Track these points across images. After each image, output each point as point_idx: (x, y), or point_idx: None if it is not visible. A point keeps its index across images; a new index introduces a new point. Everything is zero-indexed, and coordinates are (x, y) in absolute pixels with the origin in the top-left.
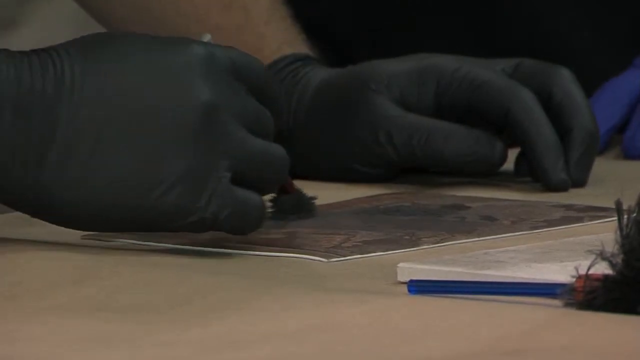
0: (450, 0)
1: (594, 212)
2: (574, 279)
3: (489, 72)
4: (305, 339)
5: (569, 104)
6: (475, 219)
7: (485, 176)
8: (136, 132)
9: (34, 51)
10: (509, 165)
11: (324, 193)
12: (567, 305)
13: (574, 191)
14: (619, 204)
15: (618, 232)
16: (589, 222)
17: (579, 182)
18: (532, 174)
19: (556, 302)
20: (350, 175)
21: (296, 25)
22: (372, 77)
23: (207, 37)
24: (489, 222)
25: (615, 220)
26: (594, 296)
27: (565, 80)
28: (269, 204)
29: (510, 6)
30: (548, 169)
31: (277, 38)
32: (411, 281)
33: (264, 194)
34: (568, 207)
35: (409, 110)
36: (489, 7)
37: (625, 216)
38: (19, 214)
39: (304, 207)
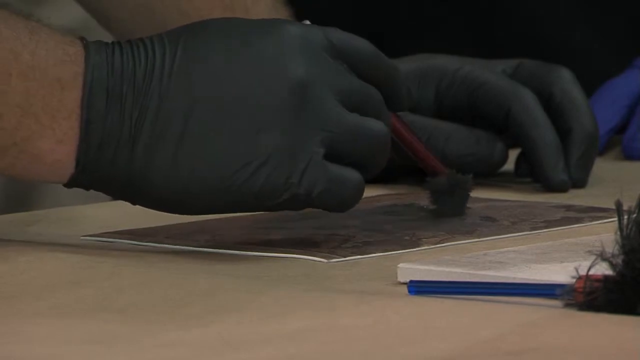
0: (450, 1)
1: (594, 212)
2: (574, 280)
3: (490, 73)
4: (305, 340)
5: (569, 105)
6: (476, 219)
7: (485, 176)
8: (226, 113)
9: (128, 40)
10: (509, 165)
11: None
12: (568, 305)
13: (574, 192)
14: (619, 205)
15: (618, 233)
16: (589, 223)
17: (579, 182)
18: (532, 174)
19: (556, 302)
20: None
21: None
22: None
23: (306, 22)
24: (489, 223)
25: (615, 220)
26: (594, 297)
27: (565, 81)
28: (427, 191)
29: (509, 7)
30: (548, 169)
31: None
32: (411, 282)
33: (366, 173)
34: (568, 207)
35: (410, 110)
36: (488, 8)
37: (625, 217)
38: (18, 214)
39: (457, 186)
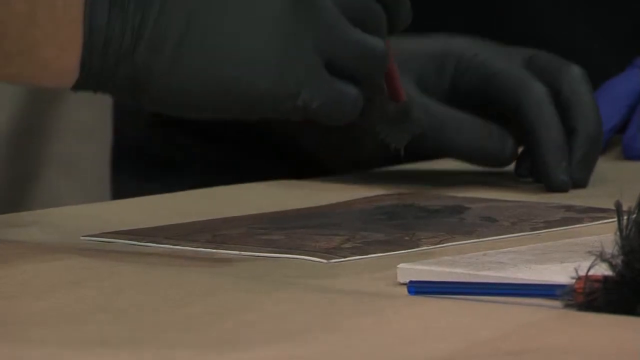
0: (450, 1)
1: (594, 213)
2: (574, 280)
3: (506, 62)
4: (305, 340)
5: (576, 104)
6: (475, 220)
7: (489, 171)
8: (227, 16)
9: None
10: (509, 166)
11: (324, 194)
12: (567, 306)
13: (574, 192)
14: (618, 205)
15: (618, 233)
16: (589, 223)
17: (580, 183)
18: (532, 171)
19: (556, 303)
20: (363, 155)
21: None
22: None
23: None
24: (489, 223)
25: (615, 221)
26: (594, 297)
27: (575, 79)
28: (377, 112)
29: (510, 7)
30: (550, 168)
31: None
32: (411, 282)
33: (365, 89)
34: (568, 208)
35: (426, 91)
36: (489, 8)
37: (625, 217)
38: (18, 214)
39: (409, 117)
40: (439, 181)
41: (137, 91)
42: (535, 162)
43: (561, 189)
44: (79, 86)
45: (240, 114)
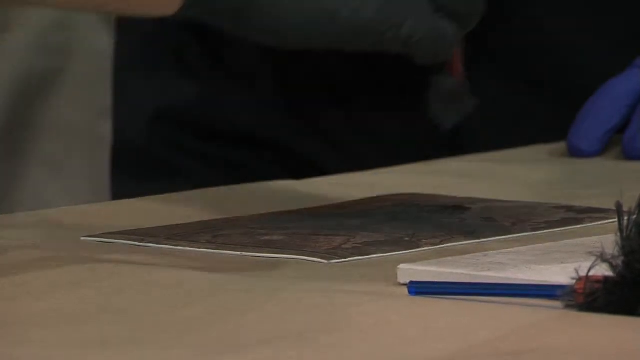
0: None
1: (594, 213)
2: (574, 281)
3: None
4: (305, 341)
5: None
6: (476, 220)
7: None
8: None
9: None
10: (507, 167)
11: (324, 195)
12: (568, 307)
13: (573, 193)
14: (619, 206)
15: (618, 234)
16: (589, 224)
17: None
18: None
19: (556, 303)
20: None
21: None
22: None
23: None
24: (489, 224)
25: (615, 221)
26: (594, 298)
27: None
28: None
29: (510, 8)
30: None
31: None
32: (411, 282)
33: (461, 28)
34: (568, 208)
35: None
36: (489, 8)
37: (626, 218)
38: (17, 214)
39: (462, 96)
40: (439, 181)
41: (242, 17)
42: None
43: None
44: (183, 13)
45: (343, 43)
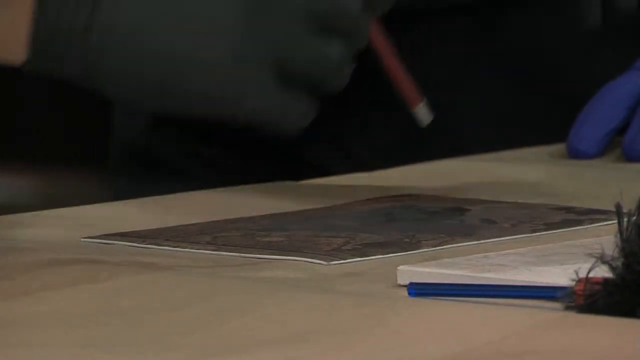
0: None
1: (594, 215)
2: (574, 282)
3: None
4: (305, 342)
5: None
6: (475, 221)
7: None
8: (180, 12)
9: None
10: (507, 168)
11: (324, 196)
12: (567, 308)
13: (573, 193)
14: (619, 207)
15: (618, 236)
16: (589, 225)
17: None
18: None
19: (556, 305)
20: None
21: None
22: None
23: None
24: (489, 225)
25: (615, 223)
26: (594, 299)
27: None
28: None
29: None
30: None
31: None
32: (411, 284)
33: (317, 96)
34: (568, 210)
35: None
36: (488, 9)
37: (626, 219)
38: (17, 215)
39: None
40: (438, 183)
41: (89, 76)
42: None
43: None
44: (27, 66)
45: (180, 111)
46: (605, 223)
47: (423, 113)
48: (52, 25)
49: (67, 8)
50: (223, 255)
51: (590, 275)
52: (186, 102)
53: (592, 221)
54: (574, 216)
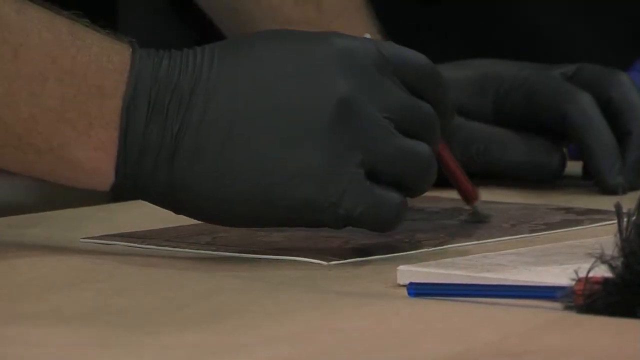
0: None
1: (594, 215)
2: (574, 282)
3: (547, 77)
4: (304, 342)
5: (628, 108)
6: (475, 221)
7: (543, 183)
8: (268, 126)
9: (179, 49)
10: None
11: None
12: (567, 308)
13: (573, 194)
14: (618, 207)
15: (618, 235)
16: (589, 225)
17: (636, 185)
18: (584, 175)
19: (556, 305)
20: None
21: (371, 16)
22: None
23: (367, 36)
24: (488, 225)
25: (615, 223)
26: (593, 299)
27: (623, 84)
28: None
29: (510, 10)
30: (604, 171)
31: (348, 32)
32: (411, 284)
33: (410, 195)
34: (568, 210)
35: (468, 117)
36: (489, 10)
37: (625, 219)
38: (18, 217)
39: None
40: (438, 183)
41: (176, 198)
42: (589, 167)
43: (617, 190)
44: (115, 190)
45: (280, 224)
46: (604, 223)
47: (481, 209)
48: (138, 150)
49: (154, 132)
50: (222, 255)
51: (590, 275)
52: (280, 212)
53: (592, 221)
54: (574, 216)
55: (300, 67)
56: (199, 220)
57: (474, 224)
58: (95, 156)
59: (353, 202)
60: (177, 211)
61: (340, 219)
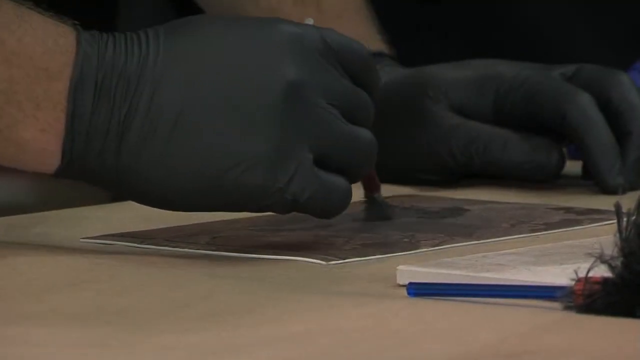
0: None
1: (593, 215)
2: (574, 282)
3: (546, 78)
4: (304, 342)
5: (628, 108)
6: (475, 221)
7: (543, 182)
8: (217, 112)
9: (124, 33)
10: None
11: None
12: (567, 308)
13: (573, 194)
14: (618, 207)
15: (617, 235)
16: (589, 225)
17: (635, 185)
18: (584, 175)
19: (555, 305)
20: (409, 180)
21: (371, 17)
22: (430, 85)
23: (309, 21)
24: (488, 225)
25: (614, 223)
26: (593, 299)
27: (623, 84)
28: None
29: (510, 10)
30: (604, 171)
31: (348, 33)
32: (410, 284)
33: (352, 180)
34: (567, 210)
35: (468, 117)
36: (489, 10)
37: (625, 219)
38: (18, 216)
39: (381, 213)
40: (437, 183)
41: (123, 183)
42: (589, 167)
43: (617, 190)
44: (61, 172)
45: (227, 209)
46: (604, 223)
47: (382, 201)
48: (85, 132)
49: (101, 116)
50: (222, 255)
51: (590, 275)
52: (229, 197)
53: (591, 221)
54: (573, 216)
55: (248, 51)
56: (146, 205)
57: (376, 220)
58: (42, 138)
59: (301, 188)
60: (125, 196)
61: (288, 205)
